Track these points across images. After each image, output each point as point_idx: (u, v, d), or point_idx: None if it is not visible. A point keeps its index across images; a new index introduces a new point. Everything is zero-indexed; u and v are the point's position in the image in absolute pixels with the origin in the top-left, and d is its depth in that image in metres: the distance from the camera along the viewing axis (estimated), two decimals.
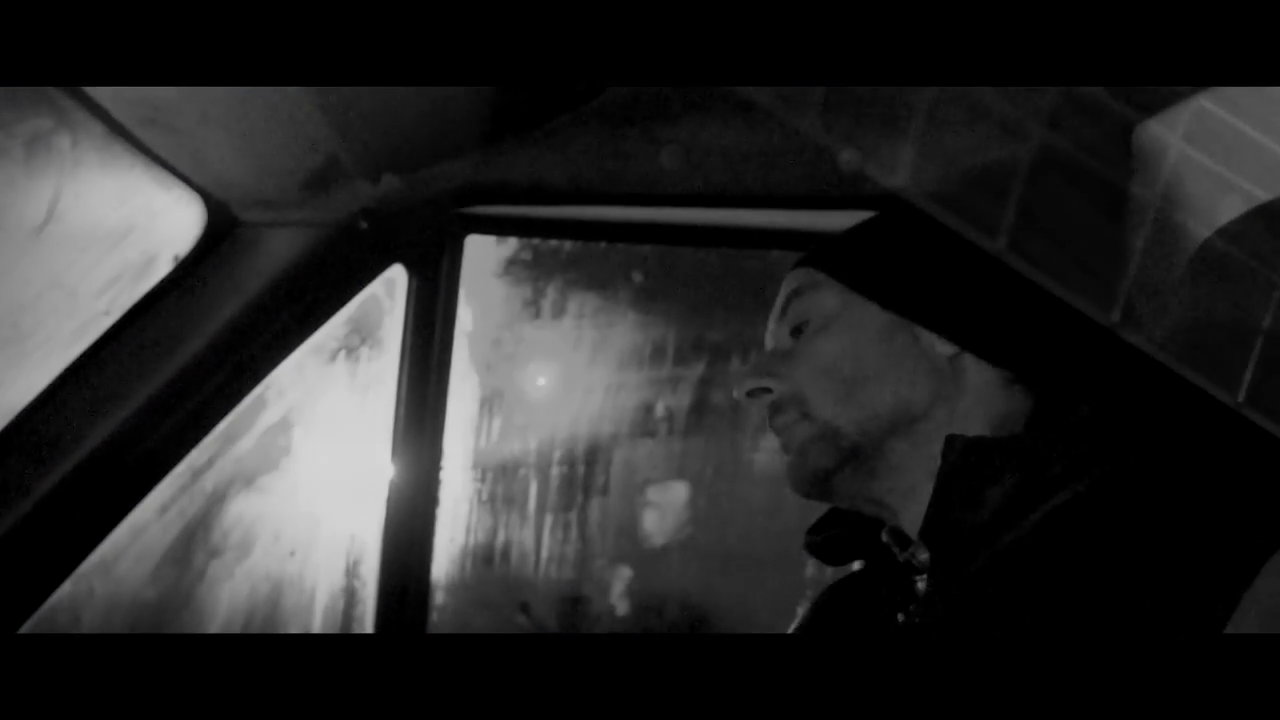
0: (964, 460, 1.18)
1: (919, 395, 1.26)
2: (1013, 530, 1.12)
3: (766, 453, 2.49)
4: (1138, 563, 1.06)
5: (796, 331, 1.33)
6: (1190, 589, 1.02)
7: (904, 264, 1.31)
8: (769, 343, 1.38)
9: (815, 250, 1.38)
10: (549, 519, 2.44)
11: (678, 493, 2.50)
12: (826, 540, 1.37)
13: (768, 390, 1.32)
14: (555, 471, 2.44)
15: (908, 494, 1.26)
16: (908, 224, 1.31)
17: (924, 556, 1.23)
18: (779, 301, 1.37)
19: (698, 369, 2.49)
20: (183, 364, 1.71)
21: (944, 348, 1.27)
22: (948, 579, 1.18)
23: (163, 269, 1.73)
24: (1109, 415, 1.17)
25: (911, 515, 1.25)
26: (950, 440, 1.20)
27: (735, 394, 1.37)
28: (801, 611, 1.45)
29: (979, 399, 1.26)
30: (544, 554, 2.45)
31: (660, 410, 2.49)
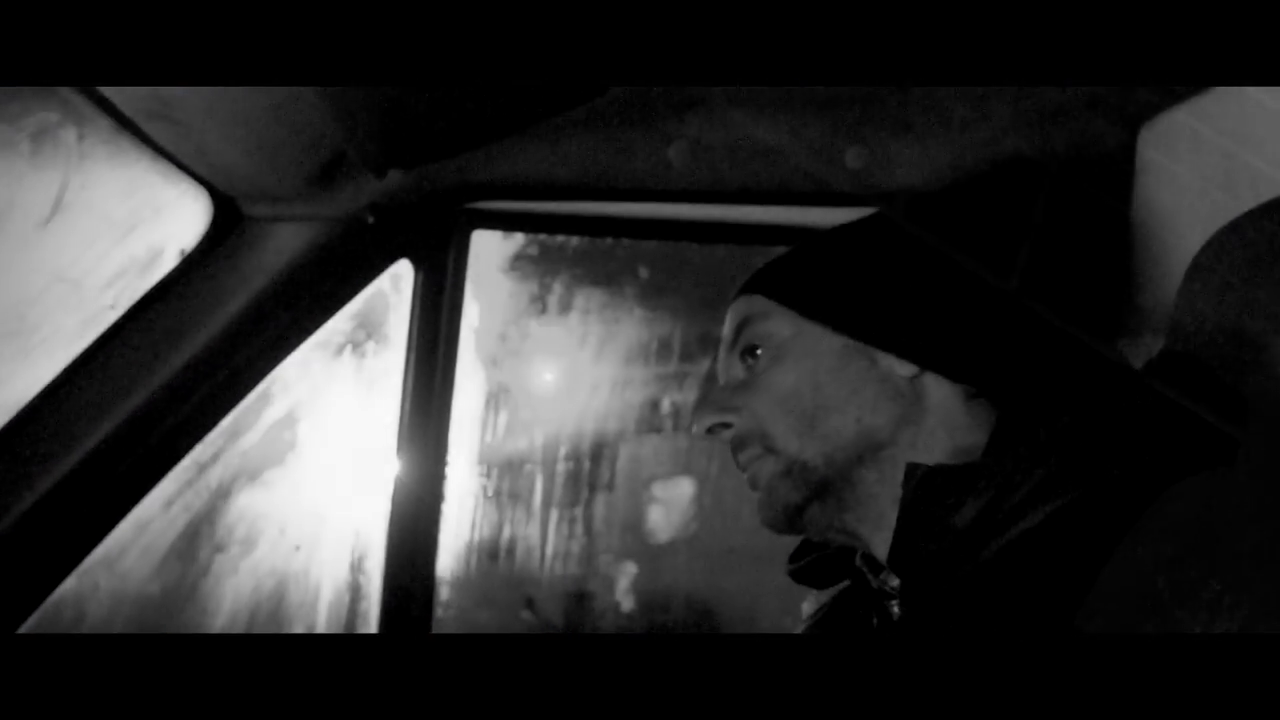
0: (924, 489, 1.16)
1: (882, 421, 1.24)
2: (977, 557, 1.10)
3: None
4: (1094, 591, 1.04)
5: (748, 354, 1.31)
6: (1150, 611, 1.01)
7: (854, 286, 1.29)
8: (721, 375, 1.37)
9: (759, 276, 1.36)
10: (554, 514, 2.44)
11: (683, 489, 2.50)
12: (809, 566, 1.37)
13: (727, 425, 1.31)
14: (561, 467, 2.44)
15: (877, 522, 1.24)
16: (852, 244, 1.32)
17: (895, 583, 1.23)
18: (728, 332, 1.35)
19: (704, 365, 2.49)
20: (188, 358, 1.71)
21: (903, 369, 1.25)
22: (916, 606, 1.17)
23: (169, 263, 1.73)
24: (1068, 437, 1.13)
25: (881, 542, 1.23)
26: (910, 470, 1.18)
27: (694, 430, 1.35)
28: (805, 615, 1.44)
29: (942, 419, 1.24)
30: (549, 549, 2.45)
31: (666, 406, 2.49)
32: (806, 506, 1.27)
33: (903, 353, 1.24)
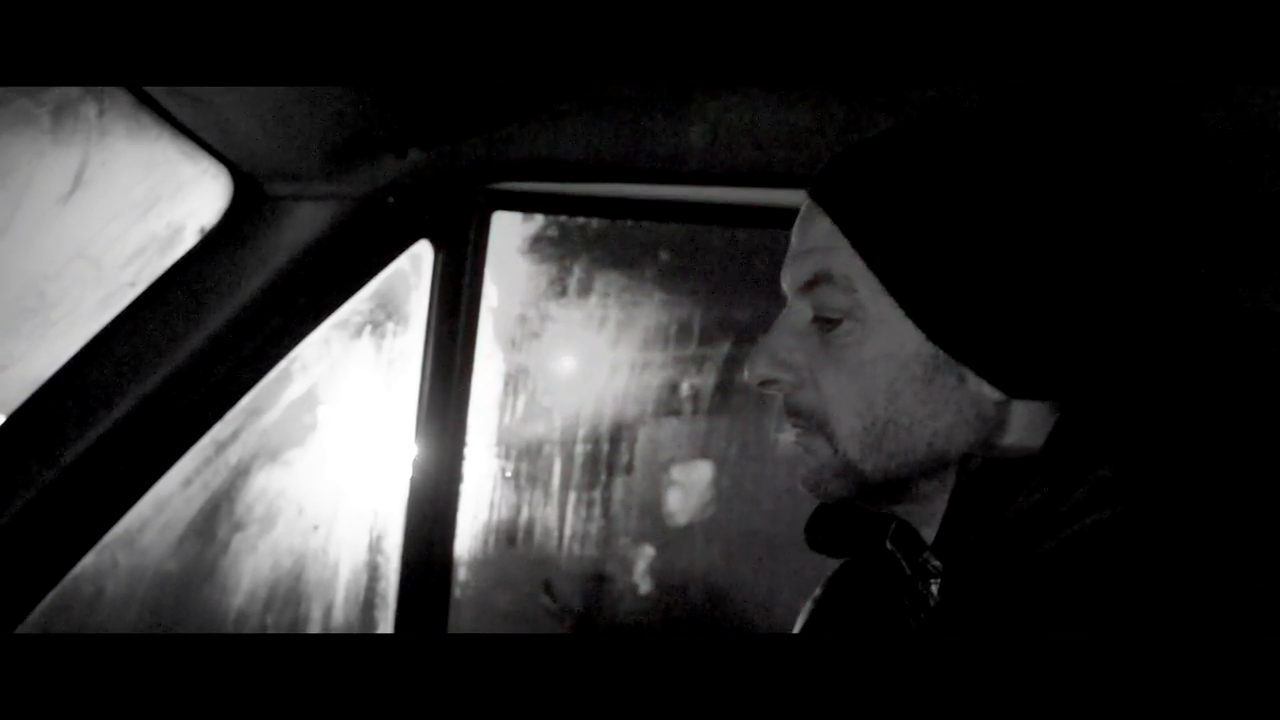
0: (978, 480, 1.07)
1: (956, 446, 1.09)
2: (1030, 553, 1.03)
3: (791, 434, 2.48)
4: (1158, 596, 0.95)
5: (820, 316, 1.11)
6: (1209, 624, 0.96)
7: (967, 294, 1.06)
8: (787, 286, 1.16)
9: (854, 203, 1.10)
10: (572, 497, 2.44)
11: (701, 472, 2.50)
12: (830, 536, 1.25)
13: (781, 382, 1.14)
14: (579, 449, 2.44)
15: (927, 519, 1.14)
16: (971, 227, 1.06)
17: (936, 564, 1.14)
18: (800, 267, 1.12)
19: (723, 348, 2.48)
20: (208, 336, 1.71)
21: (994, 394, 1.07)
22: (960, 598, 1.08)
23: (189, 241, 1.73)
24: (1137, 438, 1.04)
25: (930, 530, 1.14)
26: (964, 459, 1.08)
27: (746, 375, 1.17)
28: (807, 605, 1.37)
29: (1020, 436, 1.09)
30: (567, 532, 2.45)
31: (685, 389, 2.48)
32: (852, 500, 1.15)
33: (1007, 388, 1.07)
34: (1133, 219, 1.06)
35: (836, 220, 1.10)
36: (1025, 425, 1.09)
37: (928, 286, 1.07)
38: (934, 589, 1.14)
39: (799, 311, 1.14)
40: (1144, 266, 1.05)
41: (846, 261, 1.10)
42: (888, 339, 1.09)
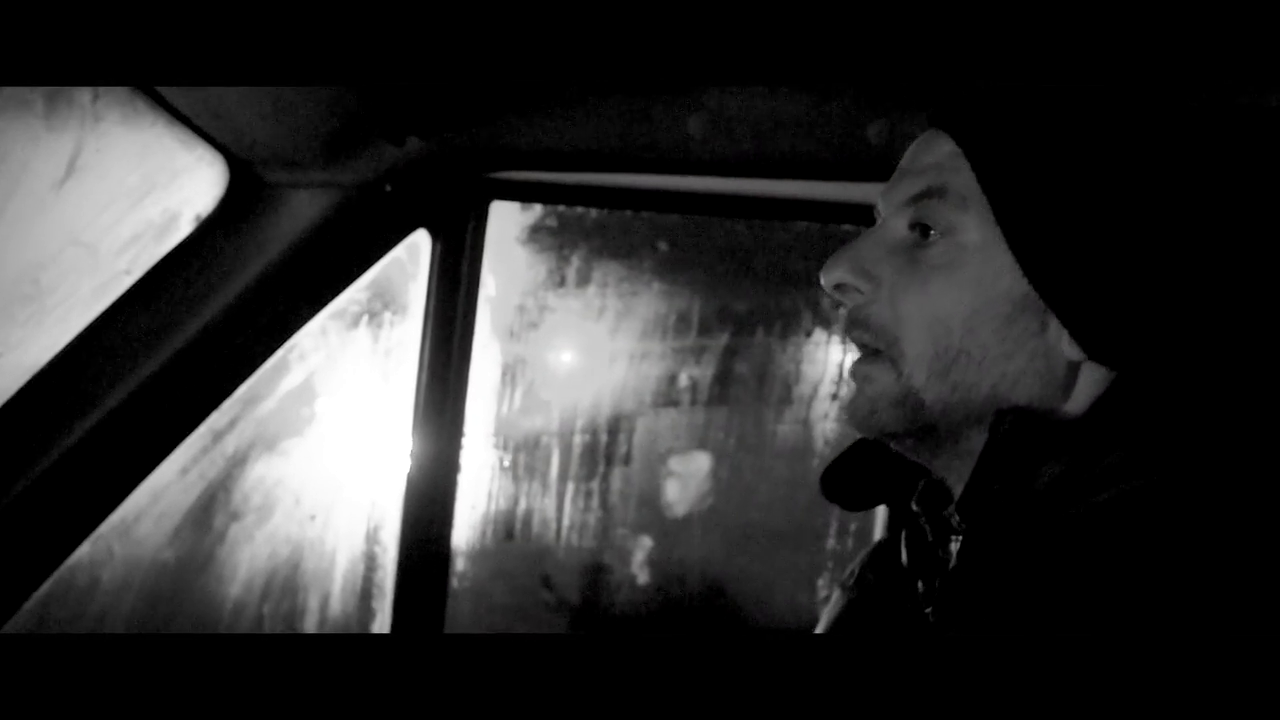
0: (1009, 441, 1.05)
1: (1018, 396, 1.08)
2: (1053, 519, 1.00)
3: (789, 424, 2.48)
4: (1172, 571, 0.92)
5: (919, 227, 1.11)
6: (1220, 603, 0.90)
7: (1074, 238, 1.05)
8: (881, 212, 1.15)
9: (989, 130, 1.09)
10: (571, 487, 2.44)
11: (700, 463, 2.50)
12: (848, 487, 1.23)
13: (859, 291, 1.13)
14: (577, 440, 2.44)
15: (965, 475, 1.10)
16: (1111, 195, 1.05)
17: (959, 520, 1.10)
18: (916, 181, 1.12)
19: (722, 339, 2.48)
20: (204, 325, 1.70)
21: (1073, 351, 1.06)
22: (979, 559, 1.05)
23: (184, 229, 1.72)
24: (1182, 416, 1.03)
25: (960, 490, 1.11)
26: (999, 416, 1.07)
27: (823, 278, 1.14)
28: (851, 570, 1.35)
29: (1081, 404, 1.08)
30: (565, 522, 2.45)
31: (683, 380, 2.48)
32: (901, 439, 1.13)
33: (1086, 344, 1.07)
34: (1248, 214, 1.05)
35: (961, 143, 1.10)
36: (1086, 397, 1.07)
37: (1038, 222, 1.06)
38: (954, 549, 1.12)
39: (895, 227, 1.13)
40: (1247, 261, 1.05)
41: (963, 183, 1.09)
42: (982, 268, 1.08)
